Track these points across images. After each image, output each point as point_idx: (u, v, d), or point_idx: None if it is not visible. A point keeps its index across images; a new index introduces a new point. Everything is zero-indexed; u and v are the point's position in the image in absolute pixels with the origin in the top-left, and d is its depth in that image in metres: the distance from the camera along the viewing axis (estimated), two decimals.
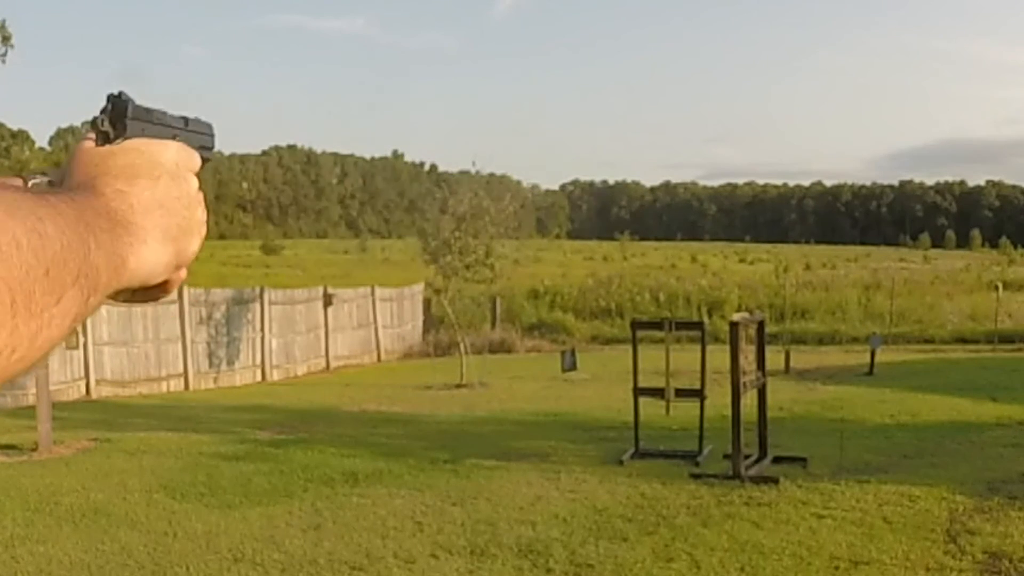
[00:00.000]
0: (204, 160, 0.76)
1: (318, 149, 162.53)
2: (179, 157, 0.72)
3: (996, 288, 25.21)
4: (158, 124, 0.72)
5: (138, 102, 0.71)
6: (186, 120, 0.76)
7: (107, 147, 0.69)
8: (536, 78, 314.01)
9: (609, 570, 5.92)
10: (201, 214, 0.73)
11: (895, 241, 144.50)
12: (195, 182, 0.74)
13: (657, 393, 9.60)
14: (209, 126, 0.80)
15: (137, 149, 0.69)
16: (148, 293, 0.71)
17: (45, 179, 0.66)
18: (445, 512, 7.29)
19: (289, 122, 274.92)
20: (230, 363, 18.21)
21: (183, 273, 0.72)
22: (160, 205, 0.68)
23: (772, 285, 30.32)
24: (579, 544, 6.41)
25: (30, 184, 0.65)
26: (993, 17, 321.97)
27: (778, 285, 29.71)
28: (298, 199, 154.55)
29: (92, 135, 0.70)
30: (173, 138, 0.73)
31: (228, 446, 10.30)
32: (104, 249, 0.61)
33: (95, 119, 0.69)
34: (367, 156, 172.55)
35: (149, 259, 0.66)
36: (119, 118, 0.70)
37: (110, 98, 0.70)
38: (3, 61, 22.65)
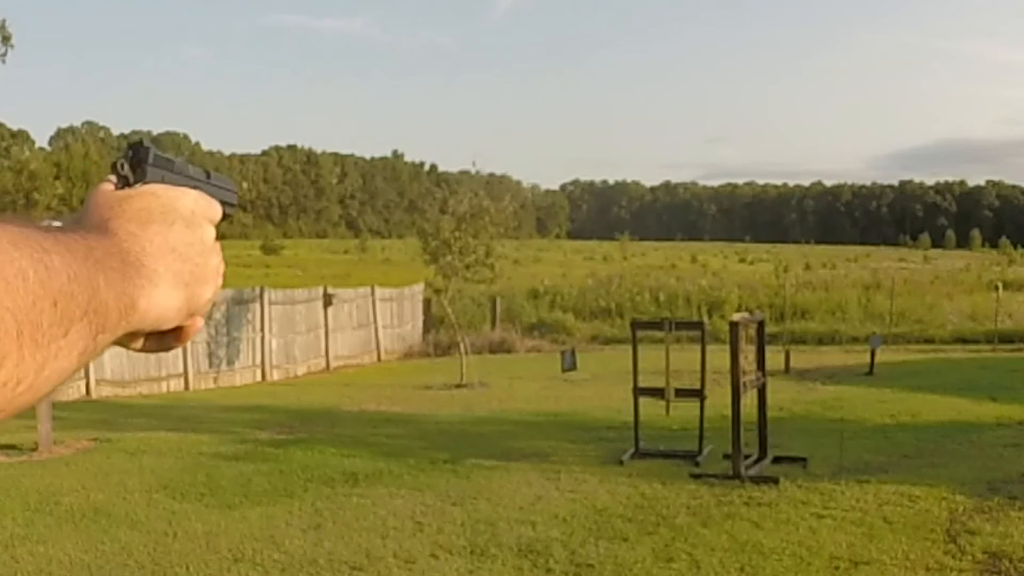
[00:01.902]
0: (225, 215, 0.76)
1: (318, 149, 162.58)
2: (196, 205, 0.72)
3: (996, 288, 25.22)
4: (179, 174, 0.73)
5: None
6: (208, 174, 0.77)
7: (124, 190, 0.69)
8: (536, 78, 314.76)
9: (609, 570, 5.92)
10: (217, 262, 0.73)
11: (895, 241, 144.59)
12: (212, 231, 0.73)
13: (657, 393, 9.60)
14: (231, 182, 0.80)
15: (153, 193, 0.69)
16: (162, 341, 0.70)
17: (58, 224, 0.66)
18: (445, 512, 7.29)
19: (289, 122, 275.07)
20: (230, 363, 18.21)
21: (199, 322, 0.72)
22: (173, 250, 0.68)
23: (772, 285, 30.33)
24: (579, 544, 6.41)
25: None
26: (993, 17, 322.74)
27: (778, 285, 29.72)
28: (298, 199, 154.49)
29: (112, 178, 0.70)
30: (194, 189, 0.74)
31: (228, 446, 10.30)
32: (114, 288, 0.60)
33: (116, 162, 0.70)
34: (367, 156, 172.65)
35: (160, 303, 0.66)
36: (139, 163, 0.70)
37: (131, 144, 0.71)
38: (3, 61, 22.65)
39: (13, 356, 0.52)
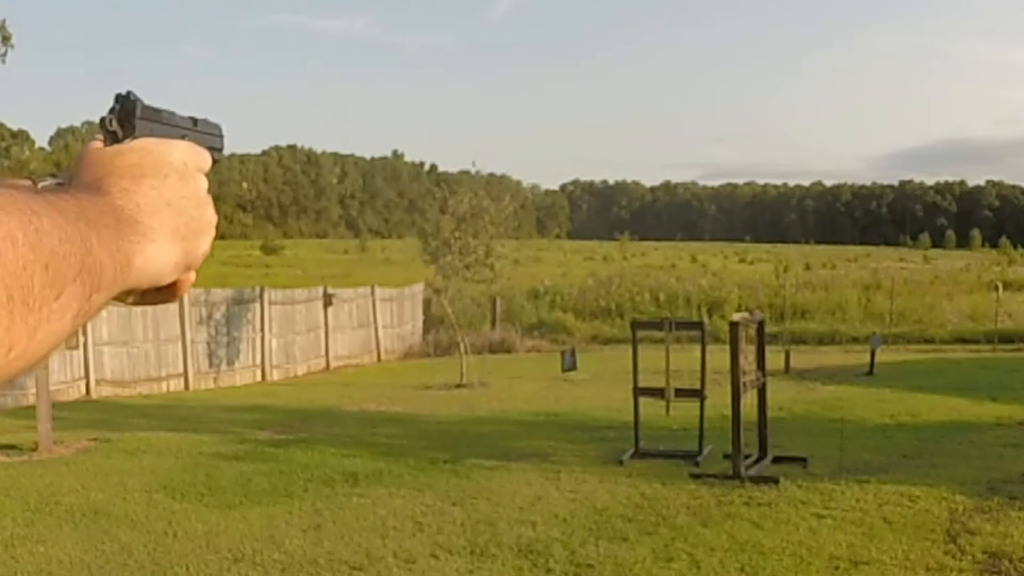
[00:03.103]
0: (213, 161, 0.75)
1: (318, 149, 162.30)
2: (188, 156, 0.71)
3: (996, 288, 25.21)
4: (167, 124, 0.72)
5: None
6: (195, 120, 0.76)
7: (114, 147, 0.68)
8: (536, 78, 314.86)
9: (609, 570, 5.92)
10: (211, 214, 0.72)
11: (895, 241, 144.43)
12: (205, 182, 0.72)
13: (657, 393, 9.60)
14: (218, 127, 0.79)
15: (144, 148, 0.68)
16: (158, 295, 0.69)
17: (54, 181, 0.65)
18: (445, 512, 7.29)
19: (289, 122, 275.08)
20: (230, 363, 18.20)
21: (192, 275, 0.71)
22: (168, 204, 0.67)
23: (772, 285, 30.32)
24: (579, 544, 6.41)
25: (40, 186, 0.64)
26: (993, 17, 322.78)
27: (778, 285, 29.71)
28: (298, 199, 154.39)
29: (101, 136, 0.69)
30: (182, 138, 0.72)
31: (228, 446, 10.30)
32: (107, 246, 0.59)
33: (103, 119, 0.69)
34: (367, 156, 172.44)
35: (157, 258, 0.65)
36: (127, 118, 0.69)
37: (118, 98, 0.70)
38: (3, 61, 22.58)
39: (4, 321, 0.51)
